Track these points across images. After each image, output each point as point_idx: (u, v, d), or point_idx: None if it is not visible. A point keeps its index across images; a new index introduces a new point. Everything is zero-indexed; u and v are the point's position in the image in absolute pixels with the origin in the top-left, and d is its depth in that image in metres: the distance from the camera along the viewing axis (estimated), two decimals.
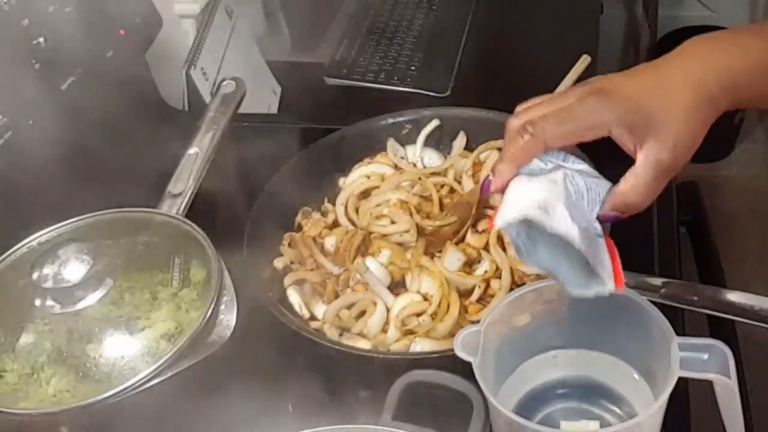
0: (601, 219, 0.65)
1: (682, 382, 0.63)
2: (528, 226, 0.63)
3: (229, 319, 0.72)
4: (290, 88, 1.32)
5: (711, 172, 2.15)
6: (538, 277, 0.83)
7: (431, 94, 1.26)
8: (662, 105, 0.63)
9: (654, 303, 0.68)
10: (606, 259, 0.63)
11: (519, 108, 0.69)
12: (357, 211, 0.97)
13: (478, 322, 0.69)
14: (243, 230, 0.89)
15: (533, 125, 0.64)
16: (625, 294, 0.67)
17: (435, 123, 1.04)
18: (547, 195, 0.62)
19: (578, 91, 0.66)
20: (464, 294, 0.86)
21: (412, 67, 1.31)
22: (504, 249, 0.89)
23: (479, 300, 0.86)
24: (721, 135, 2.29)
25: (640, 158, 0.64)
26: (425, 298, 0.85)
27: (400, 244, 0.91)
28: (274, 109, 1.29)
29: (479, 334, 0.67)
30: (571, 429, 0.68)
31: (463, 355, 0.66)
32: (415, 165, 1.02)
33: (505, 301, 0.70)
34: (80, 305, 0.71)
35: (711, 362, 0.63)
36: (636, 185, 0.64)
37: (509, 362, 0.72)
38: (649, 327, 0.67)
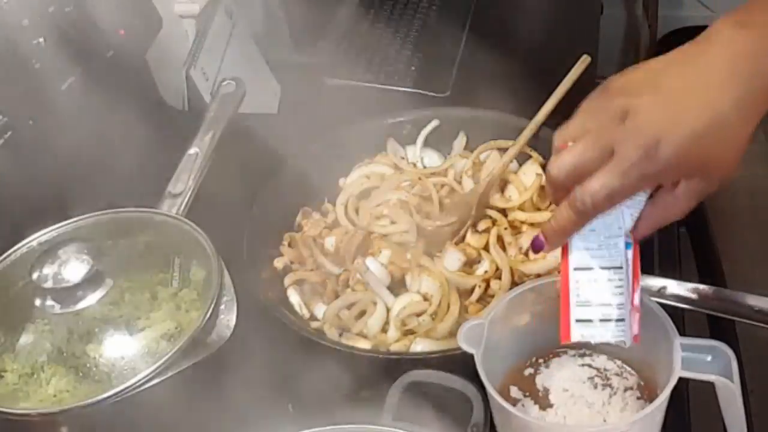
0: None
1: (682, 382, 0.63)
2: None
3: (229, 319, 0.72)
4: (290, 88, 1.32)
5: None
6: (538, 277, 0.83)
7: (431, 94, 1.25)
8: (717, 145, 0.58)
9: None
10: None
11: (556, 142, 0.64)
12: (357, 211, 0.97)
13: None
14: (243, 230, 0.89)
15: (582, 202, 0.60)
16: None
17: (435, 123, 1.04)
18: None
19: (609, 118, 0.60)
20: (464, 294, 0.86)
21: (412, 67, 1.30)
22: (504, 249, 0.89)
23: (479, 300, 0.86)
24: None
25: (684, 187, 0.62)
26: (425, 298, 0.85)
27: (400, 244, 0.91)
28: (274, 109, 1.29)
29: (483, 326, 0.68)
30: None
31: (465, 346, 0.66)
32: (415, 165, 1.02)
33: (509, 297, 0.71)
34: (80, 305, 0.71)
35: (714, 364, 0.63)
36: (675, 212, 0.63)
37: (510, 360, 0.72)
38: (653, 326, 0.67)
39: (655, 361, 0.68)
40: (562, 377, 0.71)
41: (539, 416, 0.69)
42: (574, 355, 0.73)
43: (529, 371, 0.73)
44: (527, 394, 0.71)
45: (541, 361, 0.73)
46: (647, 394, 0.70)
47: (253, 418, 0.76)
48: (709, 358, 0.64)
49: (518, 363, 0.73)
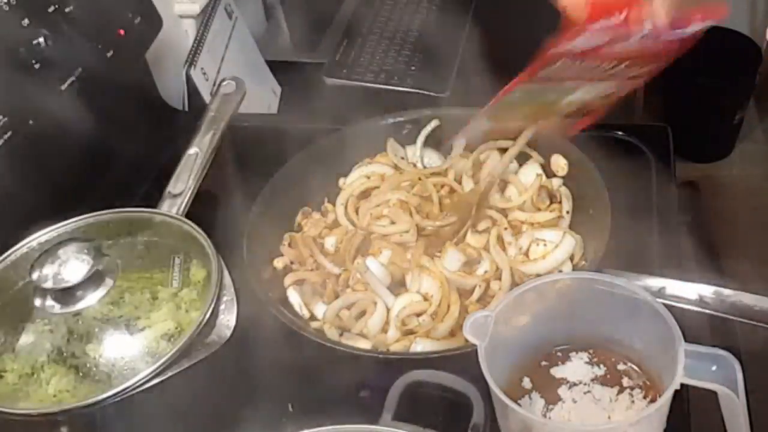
0: None
1: (683, 389, 0.63)
2: None
3: (229, 319, 0.72)
4: (290, 88, 1.32)
5: (711, 172, 2.14)
6: (538, 276, 0.83)
7: (431, 94, 1.25)
8: None
9: None
10: None
11: None
12: (357, 211, 0.97)
13: None
14: (243, 230, 0.89)
15: None
16: (640, 295, 0.68)
17: (435, 123, 1.04)
18: None
19: None
20: (464, 294, 0.86)
21: (412, 67, 1.30)
22: (504, 249, 0.89)
23: (479, 300, 0.86)
24: (721, 135, 2.29)
25: None
26: (425, 298, 0.85)
27: (400, 244, 0.91)
28: (274, 109, 1.29)
29: (490, 318, 0.68)
30: None
31: (471, 338, 0.67)
32: (415, 165, 1.02)
33: (518, 292, 0.71)
34: (80, 305, 0.71)
35: (718, 373, 0.63)
36: None
37: (512, 359, 0.73)
38: (660, 329, 0.67)
39: (661, 364, 0.68)
40: (574, 372, 0.72)
41: (544, 409, 0.69)
42: (591, 353, 0.73)
43: (544, 363, 0.73)
44: (537, 386, 0.72)
45: (559, 354, 0.74)
46: (653, 395, 0.70)
47: (254, 418, 0.76)
48: (714, 368, 0.63)
49: (536, 354, 0.74)
